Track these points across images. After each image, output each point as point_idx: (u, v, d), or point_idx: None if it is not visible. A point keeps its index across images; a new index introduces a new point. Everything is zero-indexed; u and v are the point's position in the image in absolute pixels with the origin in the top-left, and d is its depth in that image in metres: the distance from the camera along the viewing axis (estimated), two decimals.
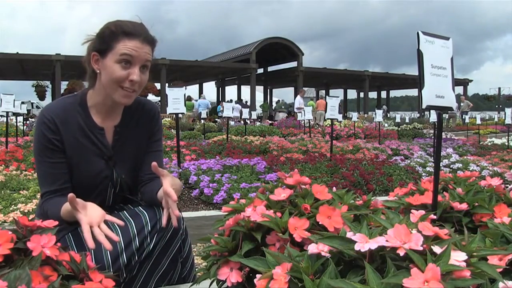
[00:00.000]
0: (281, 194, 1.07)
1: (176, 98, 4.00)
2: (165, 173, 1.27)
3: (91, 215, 1.13)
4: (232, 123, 12.99)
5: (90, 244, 1.05)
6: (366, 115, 19.80)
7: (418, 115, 21.17)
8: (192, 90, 27.13)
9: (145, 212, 1.40)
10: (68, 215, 1.24)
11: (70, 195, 1.12)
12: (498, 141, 9.43)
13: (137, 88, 1.34)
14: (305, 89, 19.54)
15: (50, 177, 1.35)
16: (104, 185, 1.44)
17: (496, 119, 18.07)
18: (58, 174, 1.35)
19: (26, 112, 11.27)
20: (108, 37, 1.31)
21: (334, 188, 1.19)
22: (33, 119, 13.22)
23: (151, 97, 19.43)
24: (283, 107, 22.64)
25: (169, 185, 1.23)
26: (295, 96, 22.83)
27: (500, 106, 28.26)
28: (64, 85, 16.71)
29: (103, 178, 1.43)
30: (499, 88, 32.51)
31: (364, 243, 0.78)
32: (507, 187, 1.31)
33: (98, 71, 1.35)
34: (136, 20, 1.37)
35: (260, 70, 25.91)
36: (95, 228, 1.09)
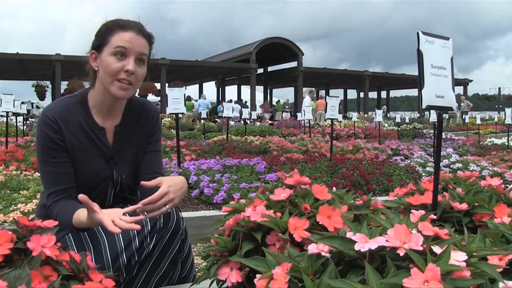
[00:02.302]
0: (281, 194, 1.07)
1: (176, 98, 4.01)
2: (160, 180, 1.25)
3: (110, 213, 1.16)
4: (232, 123, 12.99)
5: (117, 230, 1.10)
6: (366, 115, 19.79)
7: (418, 115, 21.14)
8: (192, 90, 27.10)
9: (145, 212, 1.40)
10: (82, 223, 1.25)
11: (83, 197, 1.13)
12: (498, 141, 9.44)
13: (133, 80, 1.33)
14: (308, 89, 19.49)
15: (55, 177, 1.34)
16: (104, 185, 1.43)
17: (496, 119, 18.05)
18: (63, 174, 1.34)
19: (26, 112, 11.28)
20: (104, 33, 1.34)
21: (334, 188, 1.19)
22: (33, 119, 13.21)
23: (151, 97, 19.40)
24: (286, 106, 22.57)
25: (167, 187, 1.23)
26: (295, 96, 22.78)
27: (500, 106, 28.21)
28: (64, 85, 16.69)
29: (104, 178, 1.42)
30: (499, 88, 32.47)
31: (364, 243, 0.77)
32: (507, 187, 1.31)
33: (96, 69, 1.35)
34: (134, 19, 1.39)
35: (260, 70, 25.88)
36: (117, 221, 1.12)
